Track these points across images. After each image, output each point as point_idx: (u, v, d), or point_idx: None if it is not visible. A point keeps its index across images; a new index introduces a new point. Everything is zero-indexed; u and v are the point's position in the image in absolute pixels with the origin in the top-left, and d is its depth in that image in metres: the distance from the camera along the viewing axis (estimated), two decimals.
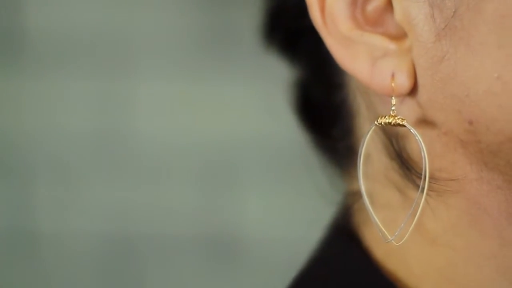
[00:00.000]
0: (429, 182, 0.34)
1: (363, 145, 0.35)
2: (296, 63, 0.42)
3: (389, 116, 0.34)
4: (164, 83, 0.98)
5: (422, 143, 0.32)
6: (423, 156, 0.32)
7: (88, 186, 1.02)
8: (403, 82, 0.33)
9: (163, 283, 1.02)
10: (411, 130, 0.33)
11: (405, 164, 0.35)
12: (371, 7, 0.34)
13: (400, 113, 0.34)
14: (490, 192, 0.33)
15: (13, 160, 1.03)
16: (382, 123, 0.34)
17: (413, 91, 0.33)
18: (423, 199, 0.33)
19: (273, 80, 0.49)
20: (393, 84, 0.33)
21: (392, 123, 0.33)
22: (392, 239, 0.34)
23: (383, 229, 0.35)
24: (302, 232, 0.52)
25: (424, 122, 0.34)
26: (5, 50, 1.00)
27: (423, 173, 0.33)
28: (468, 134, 0.32)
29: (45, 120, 1.01)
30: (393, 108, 0.34)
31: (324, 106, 0.41)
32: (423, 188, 0.33)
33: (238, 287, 0.94)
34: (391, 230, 0.35)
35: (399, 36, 0.33)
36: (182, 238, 1.01)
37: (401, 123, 0.33)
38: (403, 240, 0.34)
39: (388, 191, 0.37)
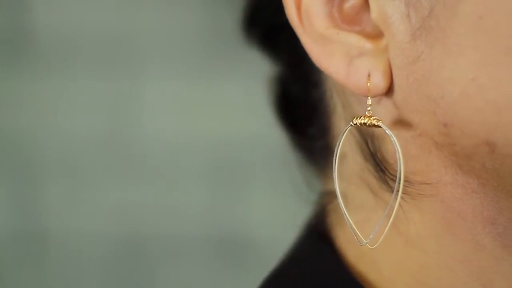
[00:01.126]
0: (404, 185, 0.34)
1: (338, 145, 0.34)
2: (276, 59, 0.42)
3: (364, 117, 0.33)
4: (171, 83, 0.97)
5: (398, 145, 0.32)
6: (398, 158, 0.32)
7: (96, 186, 1.01)
8: (378, 82, 0.32)
9: (171, 283, 1.01)
10: (386, 131, 0.32)
11: (379, 165, 0.35)
12: (348, 5, 0.33)
13: (377, 114, 0.34)
14: (465, 196, 0.33)
15: (21, 161, 1.02)
16: (358, 124, 0.33)
17: (390, 91, 0.33)
18: (397, 202, 0.33)
19: None
20: (368, 84, 0.32)
21: (367, 124, 0.33)
22: (366, 242, 0.34)
23: (357, 231, 0.34)
24: None
25: (400, 123, 0.33)
26: (12, 50, 0.98)
27: (397, 175, 0.32)
28: (443, 136, 0.31)
29: (52, 120, 1.00)
30: (368, 108, 0.33)
31: (301, 104, 0.41)
32: (397, 191, 0.32)
33: (246, 287, 0.93)
34: (364, 232, 0.34)
35: (376, 35, 0.33)
36: (189, 238, 1.00)
37: (376, 124, 0.33)
38: (377, 243, 0.33)
39: (362, 193, 0.36)
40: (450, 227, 0.34)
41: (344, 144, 0.37)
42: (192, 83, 0.97)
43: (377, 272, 0.36)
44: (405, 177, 0.34)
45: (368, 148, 0.35)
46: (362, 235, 0.34)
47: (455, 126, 0.31)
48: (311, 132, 0.40)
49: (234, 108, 0.97)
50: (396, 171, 0.34)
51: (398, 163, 0.32)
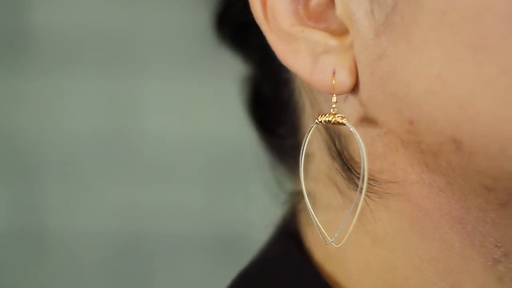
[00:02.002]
0: (370, 183, 0.33)
1: (304, 144, 0.34)
2: (247, 58, 0.41)
3: (329, 114, 0.33)
4: (170, 81, 0.97)
5: (361, 142, 0.31)
6: (361, 156, 0.32)
7: (95, 185, 1.01)
8: (344, 79, 0.32)
9: (170, 282, 1.01)
10: (350, 129, 0.32)
11: (346, 164, 0.34)
12: (314, 3, 0.33)
13: (343, 111, 0.33)
14: (432, 195, 0.32)
15: (20, 160, 1.02)
16: (322, 121, 0.33)
17: (356, 89, 0.32)
18: (361, 200, 0.32)
19: None
20: (333, 81, 0.32)
21: (332, 122, 0.33)
22: (331, 241, 0.33)
23: (323, 230, 0.34)
24: None
25: (366, 121, 0.33)
26: (12, 49, 0.98)
27: (361, 173, 0.32)
28: (408, 134, 0.31)
29: (52, 119, 1.00)
30: (333, 106, 0.33)
31: (272, 103, 0.40)
32: (361, 189, 0.32)
33: None
34: (332, 232, 0.34)
35: (341, 32, 0.32)
36: (189, 237, 1.00)
37: (340, 121, 0.32)
38: (342, 242, 0.33)
39: (329, 192, 0.36)
40: (417, 226, 0.33)
41: (312, 143, 0.37)
42: (191, 82, 0.97)
43: (345, 272, 0.36)
44: (372, 176, 0.33)
45: (335, 147, 0.35)
46: (330, 234, 0.34)
47: (420, 124, 0.30)
48: (281, 132, 0.40)
49: (234, 107, 0.96)
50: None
51: (362, 161, 0.32)
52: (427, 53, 0.29)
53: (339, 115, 0.32)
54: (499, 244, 0.33)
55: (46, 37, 0.97)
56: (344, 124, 0.32)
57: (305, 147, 0.34)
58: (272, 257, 0.38)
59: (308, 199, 0.37)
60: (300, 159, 0.34)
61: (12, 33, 0.98)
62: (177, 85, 0.97)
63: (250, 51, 0.41)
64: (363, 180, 0.32)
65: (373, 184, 0.33)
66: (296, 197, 0.39)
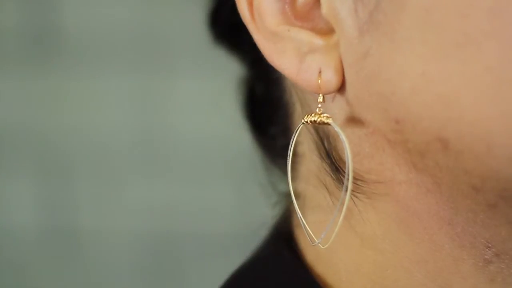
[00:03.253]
0: (358, 184, 0.33)
1: (291, 144, 0.34)
2: (240, 58, 0.41)
3: (315, 114, 0.32)
4: (200, 80, 0.97)
5: (346, 142, 0.31)
6: (346, 155, 0.31)
7: (129, 184, 1.02)
8: (330, 78, 0.32)
9: (202, 281, 1.02)
10: (335, 128, 0.32)
11: (334, 164, 0.34)
12: (300, 2, 0.32)
13: (331, 111, 0.33)
14: (420, 195, 0.32)
15: (53, 159, 1.03)
16: (308, 121, 0.33)
17: (343, 88, 0.32)
18: (347, 199, 0.32)
19: None
20: (319, 80, 0.32)
21: (317, 121, 0.32)
22: (318, 242, 0.33)
23: (309, 231, 0.33)
24: None
25: (353, 120, 0.32)
26: (44, 48, 1.00)
27: (346, 172, 0.31)
28: (395, 133, 0.31)
29: (83, 118, 1.01)
30: (319, 105, 0.32)
31: (264, 103, 0.40)
32: (347, 187, 0.31)
33: None
34: (322, 233, 0.34)
35: (327, 31, 0.32)
36: (221, 236, 1.00)
37: (325, 121, 0.32)
38: (329, 242, 0.32)
39: (319, 193, 0.35)
40: (406, 227, 0.33)
41: (303, 144, 0.37)
42: (221, 81, 0.97)
43: (335, 274, 0.35)
44: (360, 176, 0.33)
45: (324, 147, 0.34)
46: (320, 235, 0.34)
47: (406, 123, 0.30)
48: (272, 132, 0.39)
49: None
50: (352, 171, 0.33)
51: (347, 160, 0.31)
52: (411, 51, 0.29)
53: (324, 115, 0.32)
54: (489, 245, 0.32)
55: (77, 36, 0.98)
56: (330, 124, 0.32)
57: (292, 148, 0.34)
58: (263, 258, 0.38)
59: (299, 200, 0.37)
60: (287, 160, 0.34)
61: (43, 33, 0.99)
62: (207, 83, 0.97)
63: (243, 51, 0.41)
64: (347, 179, 0.31)
65: (361, 185, 0.33)
66: (288, 198, 0.39)
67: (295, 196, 0.37)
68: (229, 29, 0.40)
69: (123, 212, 1.03)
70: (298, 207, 0.37)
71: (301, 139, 0.37)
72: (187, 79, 0.98)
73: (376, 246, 0.34)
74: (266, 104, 0.40)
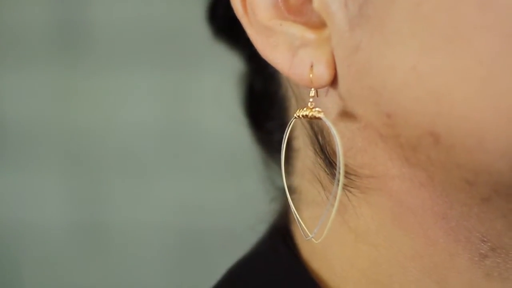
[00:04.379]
0: (351, 178, 0.33)
1: (284, 139, 0.34)
2: (238, 52, 0.41)
3: (307, 108, 0.32)
4: (227, 76, 0.98)
5: (336, 136, 0.31)
6: (337, 149, 0.31)
7: (157, 179, 1.02)
8: (321, 73, 0.31)
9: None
10: (327, 123, 0.31)
11: (328, 159, 0.34)
12: None
13: (324, 105, 0.33)
14: (413, 190, 0.32)
15: (83, 154, 1.04)
16: (300, 116, 0.32)
17: (335, 82, 0.32)
18: (338, 193, 0.31)
19: None
20: (311, 75, 0.32)
21: (309, 116, 0.32)
22: (311, 237, 0.33)
23: (303, 226, 0.33)
24: None
25: (346, 115, 0.32)
26: (72, 44, 1.00)
27: (337, 165, 0.31)
28: (387, 127, 0.30)
29: (113, 114, 1.02)
30: (311, 100, 0.32)
31: (261, 98, 0.40)
32: (338, 180, 0.31)
33: None
34: (318, 229, 0.34)
35: (319, 25, 0.32)
36: (248, 231, 1.01)
37: (317, 116, 0.32)
38: (322, 237, 0.32)
39: (314, 188, 0.35)
40: (400, 222, 0.33)
41: (298, 138, 0.37)
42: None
43: (329, 269, 0.35)
44: (353, 170, 0.33)
45: (318, 142, 0.34)
46: (315, 230, 0.34)
47: (398, 117, 0.30)
48: (269, 127, 0.39)
49: None
50: (345, 165, 0.33)
51: (338, 154, 0.31)
52: (401, 45, 0.29)
53: (316, 109, 0.32)
54: (485, 239, 0.32)
55: (104, 32, 0.99)
56: (321, 119, 0.32)
57: (285, 142, 0.34)
58: (259, 254, 0.38)
59: (295, 195, 0.37)
60: (281, 155, 0.34)
61: (70, 29, 0.99)
62: (234, 80, 0.97)
63: (240, 46, 0.40)
64: (339, 172, 0.31)
65: (354, 179, 0.33)
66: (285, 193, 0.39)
67: (291, 191, 0.37)
68: (226, 24, 0.40)
69: (151, 206, 1.04)
70: (294, 202, 0.37)
71: (297, 133, 0.37)
72: (213, 75, 0.98)
73: (370, 241, 0.34)
74: (263, 99, 0.40)
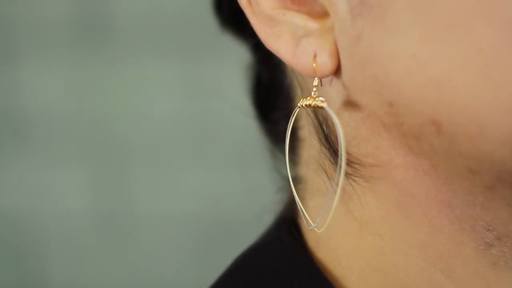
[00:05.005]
0: (355, 167, 0.33)
1: (289, 129, 0.34)
2: (244, 43, 0.41)
3: (310, 98, 0.32)
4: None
5: (338, 124, 0.31)
6: (339, 138, 0.31)
7: (180, 170, 1.03)
8: (325, 62, 0.31)
9: None
10: (329, 111, 0.31)
11: (332, 148, 0.34)
12: None
13: (329, 95, 0.33)
14: (417, 178, 0.32)
15: (107, 146, 1.05)
16: (303, 105, 0.32)
17: (338, 72, 0.32)
18: (341, 181, 0.31)
19: None
20: (314, 64, 0.31)
21: (312, 105, 0.32)
22: (314, 226, 0.33)
23: (306, 215, 0.33)
24: None
25: (350, 104, 0.32)
26: (93, 36, 1.01)
27: (339, 153, 0.31)
28: (389, 116, 0.30)
29: (135, 105, 1.03)
30: (314, 89, 0.32)
31: (267, 88, 0.40)
32: (340, 166, 0.31)
33: None
34: (323, 218, 0.34)
35: (322, 15, 0.32)
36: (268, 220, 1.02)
37: (320, 105, 0.32)
38: (324, 226, 0.32)
39: (319, 177, 0.35)
40: (404, 211, 0.33)
41: (304, 128, 0.37)
42: None
43: (334, 259, 0.35)
44: (358, 159, 0.33)
45: (323, 131, 0.34)
46: (321, 220, 0.33)
47: (400, 106, 0.30)
48: (275, 117, 0.39)
49: None
50: (350, 154, 0.33)
51: (339, 142, 0.31)
52: (403, 34, 0.29)
53: (319, 98, 0.32)
54: (490, 228, 0.32)
55: (128, 23, 0.99)
56: (324, 108, 0.32)
57: (289, 132, 0.34)
58: (265, 244, 0.38)
59: (301, 184, 0.37)
60: (285, 144, 0.34)
61: (94, 20, 1.00)
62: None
63: (246, 36, 0.41)
64: (341, 159, 0.31)
65: (359, 168, 0.33)
66: (294, 183, 0.39)
67: (297, 181, 0.37)
68: (232, 15, 0.40)
69: (174, 197, 1.04)
70: (300, 192, 0.37)
71: (302, 123, 0.37)
72: (234, 66, 0.98)
73: (375, 231, 0.34)
74: (270, 89, 0.40)
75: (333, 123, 0.34)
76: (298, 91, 0.36)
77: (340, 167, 0.31)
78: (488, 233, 0.32)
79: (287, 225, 0.38)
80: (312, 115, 0.35)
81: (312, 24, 0.31)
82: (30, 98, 1.06)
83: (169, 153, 1.03)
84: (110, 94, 1.03)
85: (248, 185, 0.99)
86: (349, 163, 0.33)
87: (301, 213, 0.34)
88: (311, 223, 0.33)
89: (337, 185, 0.32)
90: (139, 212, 1.06)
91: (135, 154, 1.05)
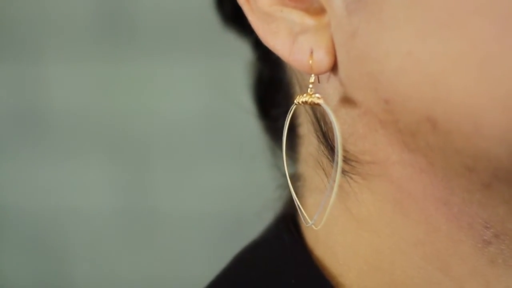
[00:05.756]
0: (352, 165, 0.33)
1: (286, 125, 0.34)
2: (245, 39, 0.41)
3: (306, 95, 0.32)
4: None
5: (334, 121, 0.31)
6: (335, 134, 0.31)
7: (202, 166, 1.03)
8: (321, 58, 0.31)
9: None
10: (325, 108, 0.31)
11: (330, 145, 0.34)
12: None
13: (326, 92, 0.33)
14: (414, 176, 0.31)
15: (129, 142, 1.06)
16: (300, 102, 0.32)
17: (335, 68, 0.32)
18: (337, 177, 0.31)
19: None
20: (310, 61, 0.31)
21: (308, 102, 0.32)
22: (311, 223, 0.33)
23: (304, 212, 0.33)
24: None
25: (347, 101, 0.32)
26: (117, 33, 1.01)
27: (335, 150, 0.31)
28: (385, 113, 0.30)
29: (158, 102, 1.03)
30: (310, 86, 0.32)
31: (268, 85, 0.40)
32: (337, 162, 0.31)
33: None
34: (320, 215, 0.33)
35: (319, 11, 0.32)
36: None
37: (316, 102, 0.32)
38: (321, 223, 0.32)
39: (317, 175, 0.35)
40: (402, 209, 0.32)
41: (303, 125, 0.37)
42: None
43: (332, 256, 0.35)
44: (355, 157, 0.33)
45: (321, 128, 0.34)
46: (318, 217, 0.33)
47: (396, 102, 0.29)
48: (275, 113, 0.39)
49: None
50: (347, 151, 0.33)
51: (336, 139, 0.31)
52: (398, 30, 0.28)
53: (316, 95, 0.32)
54: (488, 225, 0.31)
55: (149, 20, 0.99)
56: (320, 105, 0.32)
57: (286, 129, 0.34)
58: (263, 241, 0.38)
59: (300, 181, 0.37)
60: (283, 141, 0.34)
61: (116, 18, 1.00)
62: None
63: (247, 33, 0.41)
64: (337, 155, 0.31)
65: (356, 166, 0.33)
66: (294, 181, 0.39)
67: (297, 178, 0.37)
68: (233, 12, 0.40)
69: (196, 193, 1.04)
70: (300, 189, 0.37)
71: (301, 120, 0.37)
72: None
73: (372, 228, 0.33)
74: (270, 86, 0.40)
75: (330, 120, 0.34)
76: (297, 88, 0.36)
77: (337, 163, 0.31)
78: (485, 230, 0.32)
79: (286, 223, 0.38)
80: (310, 112, 0.35)
81: (309, 21, 0.31)
82: (54, 96, 1.06)
83: (190, 151, 1.03)
84: (134, 91, 1.03)
85: (271, 183, 0.99)
86: (346, 160, 0.33)
87: (299, 211, 0.34)
88: (309, 221, 0.33)
89: (334, 181, 0.32)
90: (161, 210, 1.07)
91: (157, 151, 1.05)
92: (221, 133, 1.01)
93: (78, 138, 1.07)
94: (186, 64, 1.00)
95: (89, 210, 1.10)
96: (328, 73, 0.32)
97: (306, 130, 0.36)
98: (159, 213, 1.07)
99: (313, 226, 0.33)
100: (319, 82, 0.33)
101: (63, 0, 1.02)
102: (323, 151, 0.34)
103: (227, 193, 1.03)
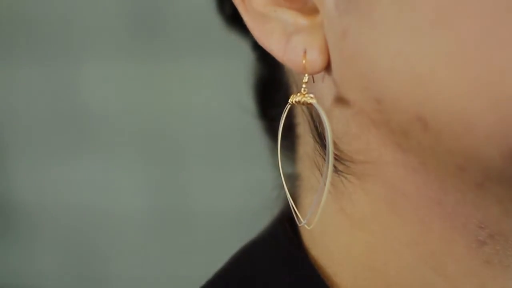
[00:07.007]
0: (346, 164, 0.33)
1: (281, 125, 0.34)
2: (245, 40, 0.41)
3: (300, 94, 0.32)
4: None
5: (326, 120, 0.31)
6: (326, 134, 0.31)
7: (239, 167, 1.04)
8: (315, 58, 0.31)
9: None
10: (317, 108, 0.31)
11: (325, 145, 0.34)
12: None
13: (321, 91, 0.33)
14: (407, 176, 0.31)
15: (163, 143, 1.07)
16: (294, 102, 0.33)
17: (329, 68, 0.32)
18: (329, 176, 0.31)
19: None
20: (304, 61, 0.32)
21: (301, 102, 0.32)
22: (304, 223, 0.33)
23: (297, 212, 0.33)
24: None
25: (340, 101, 0.32)
26: (149, 33, 1.02)
27: (326, 149, 0.31)
28: (377, 113, 0.30)
29: (192, 102, 1.04)
30: (303, 86, 0.32)
31: (267, 85, 0.40)
32: (330, 164, 0.31)
33: None
34: (316, 215, 0.33)
35: (312, 11, 0.32)
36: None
37: (309, 101, 0.32)
38: (314, 222, 0.32)
39: (313, 174, 0.35)
40: (395, 208, 0.32)
41: (300, 125, 0.37)
42: None
43: (327, 256, 0.35)
44: (349, 156, 0.33)
45: (316, 128, 0.34)
46: (315, 218, 0.33)
47: (387, 102, 0.29)
48: (274, 113, 0.39)
49: None
50: (341, 151, 0.33)
51: (327, 138, 0.31)
52: (388, 29, 0.28)
53: (309, 95, 0.32)
54: (482, 225, 0.31)
55: (179, 20, 1.00)
56: (313, 105, 0.32)
57: (281, 129, 0.34)
58: (260, 241, 0.38)
59: (298, 181, 0.37)
60: (277, 141, 0.34)
61: (147, 16, 1.01)
62: None
63: (246, 34, 0.41)
64: (328, 154, 0.31)
65: (350, 165, 0.33)
66: (288, 180, 0.39)
67: (296, 177, 0.37)
68: (233, 13, 0.40)
69: (229, 193, 1.05)
70: (297, 189, 0.37)
71: (299, 120, 0.37)
72: None
73: (366, 228, 0.33)
74: (269, 86, 0.40)
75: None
76: (293, 88, 0.36)
77: (328, 162, 0.31)
78: (480, 231, 0.31)
79: (283, 223, 0.38)
80: (306, 112, 0.35)
81: (302, 21, 0.31)
82: (91, 95, 1.07)
83: (225, 150, 1.04)
84: (168, 91, 1.04)
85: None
86: (340, 160, 0.33)
87: (292, 210, 0.34)
88: (302, 220, 0.33)
89: (330, 185, 0.32)
90: (197, 210, 1.08)
91: (192, 151, 1.06)
92: (253, 131, 1.02)
93: (115, 139, 1.08)
94: (222, 64, 1.00)
95: (122, 212, 1.11)
96: (322, 73, 0.32)
97: (303, 130, 0.36)
98: (196, 213, 1.08)
99: (306, 225, 0.33)
100: (314, 82, 0.33)
101: (100, 1, 1.03)
102: (318, 151, 0.34)
103: (263, 192, 1.03)
